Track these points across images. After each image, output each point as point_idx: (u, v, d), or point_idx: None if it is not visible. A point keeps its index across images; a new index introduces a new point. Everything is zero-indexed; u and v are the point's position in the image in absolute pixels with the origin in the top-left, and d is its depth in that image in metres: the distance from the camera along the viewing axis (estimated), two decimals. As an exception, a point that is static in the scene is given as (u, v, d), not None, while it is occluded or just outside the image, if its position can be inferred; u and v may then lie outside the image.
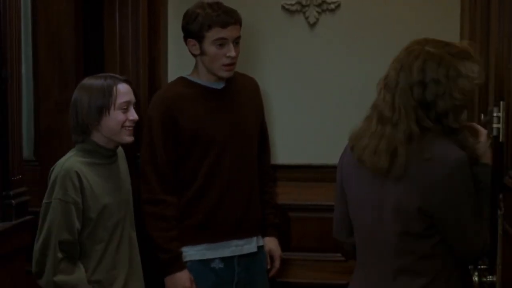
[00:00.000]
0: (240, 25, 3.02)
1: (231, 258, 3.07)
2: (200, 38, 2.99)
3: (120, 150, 2.83)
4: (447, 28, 3.27)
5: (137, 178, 3.27)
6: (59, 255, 2.55)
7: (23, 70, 2.97)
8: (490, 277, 2.08)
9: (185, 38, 3.05)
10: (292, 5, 3.42)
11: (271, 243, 3.22)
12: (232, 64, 3.02)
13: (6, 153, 2.62)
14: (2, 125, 2.61)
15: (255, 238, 3.15)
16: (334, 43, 3.42)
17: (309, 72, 3.45)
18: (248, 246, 3.12)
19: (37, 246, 2.59)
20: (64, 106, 3.28)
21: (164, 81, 3.52)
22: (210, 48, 2.98)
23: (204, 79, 3.08)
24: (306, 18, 3.42)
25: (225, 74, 3.03)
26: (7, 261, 2.58)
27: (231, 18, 2.97)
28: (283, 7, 3.43)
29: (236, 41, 3.01)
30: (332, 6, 3.40)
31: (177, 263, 3.01)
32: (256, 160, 3.18)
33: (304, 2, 3.41)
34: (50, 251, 2.55)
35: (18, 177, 2.67)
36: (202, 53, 3.01)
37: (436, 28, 3.28)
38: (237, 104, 3.11)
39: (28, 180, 2.82)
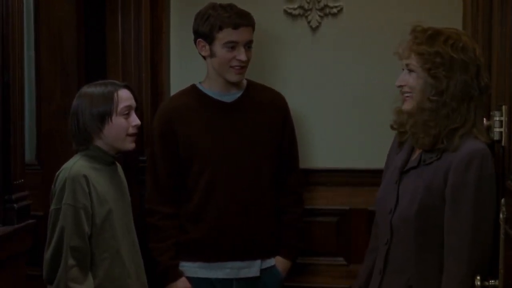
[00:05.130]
0: (253, 28, 2.97)
1: (228, 279, 2.99)
2: (210, 40, 2.92)
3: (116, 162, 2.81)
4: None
5: (136, 184, 3.28)
6: (71, 262, 2.53)
7: (25, 74, 2.96)
8: (492, 281, 2.08)
9: (195, 39, 2.99)
10: (294, 9, 3.42)
11: (279, 265, 3.07)
12: (242, 68, 2.95)
13: (8, 156, 2.61)
14: (5, 129, 2.61)
15: (258, 262, 3.02)
16: (337, 47, 3.41)
17: (311, 76, 3.44)
18: (247, 270, 3.00)
19: (48, 253, 2.57)
20: (66, 110, 3.27)
21: (167, 85, 3.52)
22: (220, 50, 2.92)
23: (215, 89, 3.01)
24: (308, 22, 3.42)
25: (234, 78, 2.96)
26: (8, 265, 2.57)
27: (243, 19, 2.91)
28: (285, 11, 3.43)
29: (248, 45, 2.95)
30: (335, 10, 3.39)
31: (170, 274, 2.98)
32: (268, 180, 3.03)
33: (306, 6, 3.41)
34: (62, 258, 2.53)
35: (20, 181, 2.67)
36: (212, 55, 2.95)
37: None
38: (247, 120, 3.01)
39: (30, 184, 2.81)
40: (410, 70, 2.30)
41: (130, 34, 3.36)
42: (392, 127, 2.40)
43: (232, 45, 2.91)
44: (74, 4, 3.32)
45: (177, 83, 3.50)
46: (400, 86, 2.34)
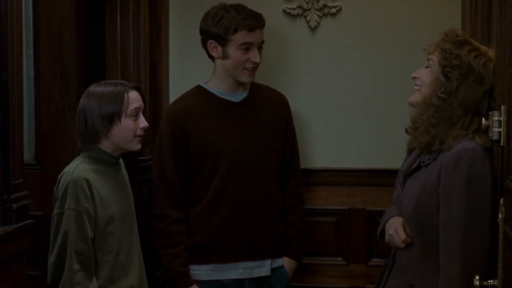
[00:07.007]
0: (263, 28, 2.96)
1: (240, 279, 2.98)
2: (224, 41, 2.89)
3: (120, 160, 2.80)
4: (448, 32, 3.27)
5: (138, 184, 3.28)
6: (75, 266, 2.51)
7: (25, 74, 2.96)
8: (491, 281, 2.08)
9: (205, 40, 2.94)
10: (293, 9, 3.42)
11: (287, 266, 3.08)
12: (255, 69, 2.94)
13: (7, 156, 2.61)
14: (3, 128, 2.60)
15: (269, 261, 3.02)
16: (335, 47, 3.42)
17: (310, 76, 3.45)
18: (259, 269, 3.00)
19: (52, 258, 2.56)
20: (65, 110, 3.29)
21: (166, 85, 3.52)
22: (234, 52, 2.89)
23: (222, 89, 2.99)
24: (307, 22, 3.43)
25: (247, 79, 2.94)
26: (7, 265, 2.57)
27: (257, 21, 2.90)
28: (284, 11, 3.44)
29: (260, 46, 2.94)
30: (333, 10, 3.40)
31: (180, 281, 2.95)
32: (275, 179, 3.05)
33: (305, 6, 3.41)
34: (66, 262, 2.52)
35: (19, 181, 2.66)
36: (225, 56, 2.92)
37: (437, 32, 3.28)
38: (254, 120, 3.00)
39: (29, 184, 2.81)
40: (428, 65, 2.35)
41: (129, 33, 3.36)
42: (406, 131, 2.44)
43: (246, 47, 2.89)
44: (74, 4, 3.32)
45: (176, 83, 3.51)
46: (414, 78, 2.41)
